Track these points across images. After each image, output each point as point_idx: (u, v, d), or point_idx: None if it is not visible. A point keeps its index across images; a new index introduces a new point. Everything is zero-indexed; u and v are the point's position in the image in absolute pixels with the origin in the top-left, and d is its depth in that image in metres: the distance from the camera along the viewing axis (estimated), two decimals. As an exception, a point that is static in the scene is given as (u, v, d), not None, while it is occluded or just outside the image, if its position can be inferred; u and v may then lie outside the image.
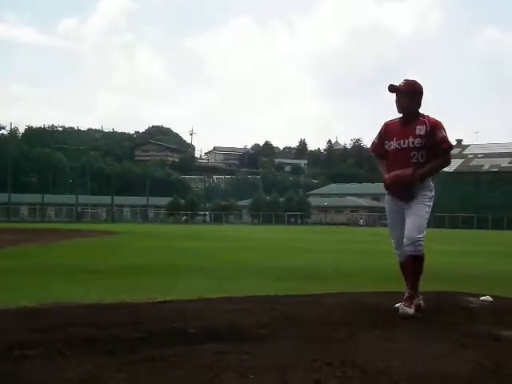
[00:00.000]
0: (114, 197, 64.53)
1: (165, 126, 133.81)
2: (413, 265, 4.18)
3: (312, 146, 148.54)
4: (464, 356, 3.05)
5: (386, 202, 4.41)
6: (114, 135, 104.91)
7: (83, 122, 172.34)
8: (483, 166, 63.41)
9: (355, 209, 71.18)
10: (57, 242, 16.05)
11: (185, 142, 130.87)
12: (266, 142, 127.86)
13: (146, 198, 68.47)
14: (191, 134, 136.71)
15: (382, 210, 67.22)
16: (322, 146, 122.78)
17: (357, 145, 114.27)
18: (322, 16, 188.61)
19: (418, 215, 4.11)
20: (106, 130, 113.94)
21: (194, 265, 9.00)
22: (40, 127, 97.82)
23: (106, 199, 65.79)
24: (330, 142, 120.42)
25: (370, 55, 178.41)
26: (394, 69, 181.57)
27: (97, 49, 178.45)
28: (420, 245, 4.12)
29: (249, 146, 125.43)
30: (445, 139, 4.05)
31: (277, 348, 3.22)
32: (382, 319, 4.08)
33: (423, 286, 6.44)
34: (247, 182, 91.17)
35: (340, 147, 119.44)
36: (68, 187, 76.09)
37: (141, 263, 9.20)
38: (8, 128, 79.04)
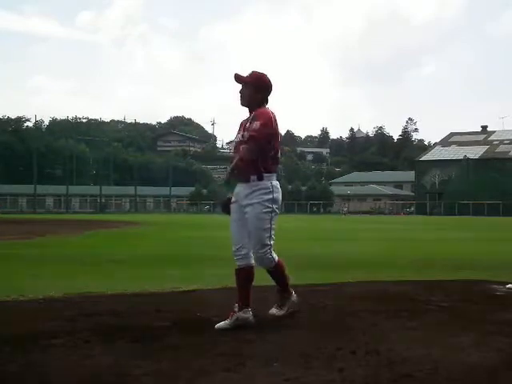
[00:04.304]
0: (137, 187, 65.06)
1: (186, 116, 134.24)
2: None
3: (334, 134, 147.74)
4: (491, 345, 3.01)
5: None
6: (136, 126, 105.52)
7: (106, 113, 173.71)
8: (509, 152, 62.29)
9: (378, 197, 70.66)
10: (82, 233, 16.27)
11: (206, 132, 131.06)
12: (288, 130, 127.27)
13: (168, 188, 68.87)
14: (213, 124, 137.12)
15: (405, 197, 65.86)
16: (345, 134, 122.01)
17: (379, 133, 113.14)
18: (341, 1, 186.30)
19: (256, 229, 3.65)
20: (128, 121, 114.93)
21: (217, 254, 9.03)
22: (64, 119, 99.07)
23: (130, 190, 66.36)
24: (352, 130, 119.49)
25: (391, 41, 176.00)
26: (416, 54, 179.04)
27: (116, 40, 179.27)
28: (266, 259, 3.73)
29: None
30: (256, 129, 3.57)
31: (300, 336, 3.22)
32: (406, 308, 4.05)
33: (450, 274, 6.39)
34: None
35: (362, 135, 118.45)
36: (91, 178, 76.92)
37: (164, 253, 9.27)
38: (33, 120, 79.96)
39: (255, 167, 3.62)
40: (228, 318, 3.54)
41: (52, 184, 64.25)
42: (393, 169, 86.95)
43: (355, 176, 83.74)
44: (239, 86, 3.76)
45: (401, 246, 11.55)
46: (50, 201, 65.14)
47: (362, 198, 72.57)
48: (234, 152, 3.84)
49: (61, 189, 61.82)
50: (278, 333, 3.30)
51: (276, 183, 3.73)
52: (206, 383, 2.40)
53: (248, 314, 3.58)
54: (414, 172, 68.23)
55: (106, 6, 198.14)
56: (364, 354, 2.80)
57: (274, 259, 3.76)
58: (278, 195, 3.72)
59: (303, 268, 6.91)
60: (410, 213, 60.37)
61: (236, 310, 3.58)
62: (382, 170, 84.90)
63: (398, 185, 77.89)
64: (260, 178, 3.64)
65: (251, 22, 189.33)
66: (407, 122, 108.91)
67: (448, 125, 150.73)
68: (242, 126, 3.80)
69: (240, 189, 3.71)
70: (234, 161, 3.63)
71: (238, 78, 3.75)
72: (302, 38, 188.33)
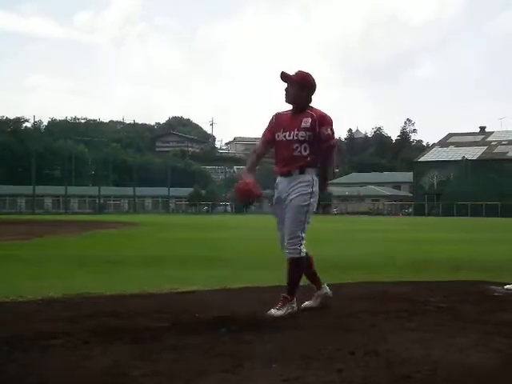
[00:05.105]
0: (136, 188, 65.02)
1: (185, 116, 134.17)
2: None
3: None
4: (490, 346, 3.01)
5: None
6: (135, 127, 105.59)
7: (104, 114, 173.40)
8: (507, 152, 62.36)
9: (376, 198, 70.66)
10: (80, 234, 16.25)
11: (205, 132, 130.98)
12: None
13: (167, 188, 68.83)
14: (211, 125, 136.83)
15: (404, 198, 65.54)
16: (343, 134, 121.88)
17: (378, 133, 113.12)
18: (339, 1, 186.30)
19: (292, 218, 3.86)
20: (127, 122, 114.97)
21: (216, 255, 9.04)
22: (63, 119, 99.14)
23: (128, 190, 66.35)
24: (350, 130, 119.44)
25: (390, 42, 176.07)
26: (414, 55, 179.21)
27: (114, 40, 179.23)
28: (294, 248, 3.87)
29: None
30: (330, 136, 3.90)
31: (299, 337, 3.22)
32: (405, 309, 4.05)
33: (448, 275, 6.39)
34: (268, 172, 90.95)
35: (361, 136, 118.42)
36: (90, 179, 76.89)
37: (163, 254, 9.26)
38: (31, 120, 79.98)
39: (299, 161, 3.88)
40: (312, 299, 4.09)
41: (51, 185, 64.23)
42: (391, 170, 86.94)
43: (353, 177, 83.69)
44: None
45: (399, 246, 11.55)
46: (48, 201, 65.11)
47: (360, 198, 72.53)
48: (280, 149, 3.97)
49: (59, 189, 61.78)
50: (276, 333, 3.30)
51: (316, 177, 3.96)
52: (205, 384, 2.40)
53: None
54: (412, 173, 68.26)
55: (104, 6, 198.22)
56: (363, 355, 2.80)
57: (301, 251, 3.90)
58: (317, 188, 3.95)
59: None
60: (408, 214, 60.38)
61: (315, 290, 4.14)
62: (381, 170, 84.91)
63: (397, 186, 77.88)
64: (302, 172, 3.89)
65: (251, 21, 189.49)
66: (405, 122, 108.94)
67: (446, 125, 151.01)
68: (286, 122, 3.95)
69: (282, 184, 3.94)
70: (328, 173, 4.01)
71: (285, 77, 3.95)
72: (301, 38, 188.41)
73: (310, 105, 4.01)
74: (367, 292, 4.90)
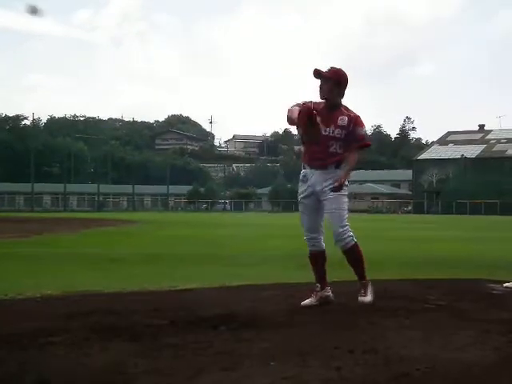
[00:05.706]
0: (135, 186, 64.97)
1: (184, 114, 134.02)
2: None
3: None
4: (489, 343, 3.02)
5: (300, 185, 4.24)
6: (134, 125, 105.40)
7: (104, 111, 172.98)
8: (506, 151, 62.39)
9: (375, 196, 70.66)
10: (79, 231, 16.25)
11: (204, 130, 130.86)
12: (286, 129, 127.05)
13: (166, 186, 68.80)
14: (211, 123, 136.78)
15: (403, 196, 65.39)
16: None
17: (377, 131, 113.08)
18: (341, 1, 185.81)
19: (337, 209, 4.03)
20: (126, 120, 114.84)
21: (216, 253, 9.04)
22: (62, 117, 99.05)
23: (127, 188, 66.28)
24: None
25: (389, 41, 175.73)
26: (413, 53, 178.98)
27: (114, 38, 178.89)
28: (347, 237, 4.04)
29: (268, 134, 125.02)
30: (365, 136, 4.14)
31: (298, 335, 3.22)
32: (403, 307, 4.05)
33: (447, 272, 6.40)
34: (267, 170, 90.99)
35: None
36: (89, 176, 76.84)
37: (162, 252, 9.27)
38: (30, 118, 79.87)
39: (335, 157, 4.04)
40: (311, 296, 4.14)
41: (50, 182, 64.15)
42: (390, 167, 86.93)
43: (352, 174, 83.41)
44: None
45: (399, 244, 11.56)
46: (47, 199, 65.06)
47: (359, 196, 72.54)
48: (311, 144, 4.08)
49: (58, 187, 61.71)
50: (275, 331, 3.30)
51: None
52: (204, 381, 2.41)
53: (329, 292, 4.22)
54: (411, 171, 68.28)
55: (103, 4, 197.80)
56: (362, 353, 2.80)
57: (354, 238, 4.07)
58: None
59: (302, 266, 6.91)
60: (408, 212, 60.38)
61: (318, 289, 4.15)
62: (380, 168, 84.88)
63: (396, 183, 77.87)
64: (337, 167, 4.06)
65: (250, 20, 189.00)
66: (405, 120, 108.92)
67: (445, 124, 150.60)
68: (322, 115, 4.00)
69: (315, 176, 4.06)
70: (349, 166, 4.09)
71: (318, 74, 4.08)
72: (301, 38, 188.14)
73: (344, 104, 4.14)
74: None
